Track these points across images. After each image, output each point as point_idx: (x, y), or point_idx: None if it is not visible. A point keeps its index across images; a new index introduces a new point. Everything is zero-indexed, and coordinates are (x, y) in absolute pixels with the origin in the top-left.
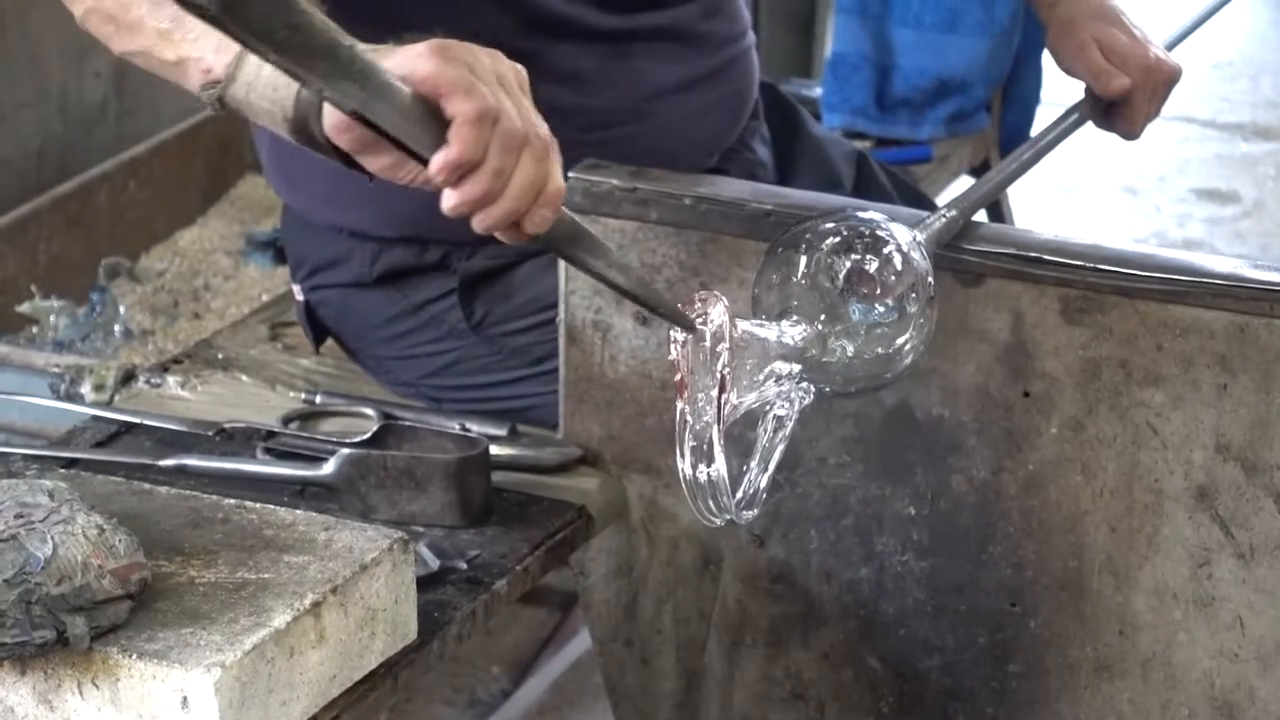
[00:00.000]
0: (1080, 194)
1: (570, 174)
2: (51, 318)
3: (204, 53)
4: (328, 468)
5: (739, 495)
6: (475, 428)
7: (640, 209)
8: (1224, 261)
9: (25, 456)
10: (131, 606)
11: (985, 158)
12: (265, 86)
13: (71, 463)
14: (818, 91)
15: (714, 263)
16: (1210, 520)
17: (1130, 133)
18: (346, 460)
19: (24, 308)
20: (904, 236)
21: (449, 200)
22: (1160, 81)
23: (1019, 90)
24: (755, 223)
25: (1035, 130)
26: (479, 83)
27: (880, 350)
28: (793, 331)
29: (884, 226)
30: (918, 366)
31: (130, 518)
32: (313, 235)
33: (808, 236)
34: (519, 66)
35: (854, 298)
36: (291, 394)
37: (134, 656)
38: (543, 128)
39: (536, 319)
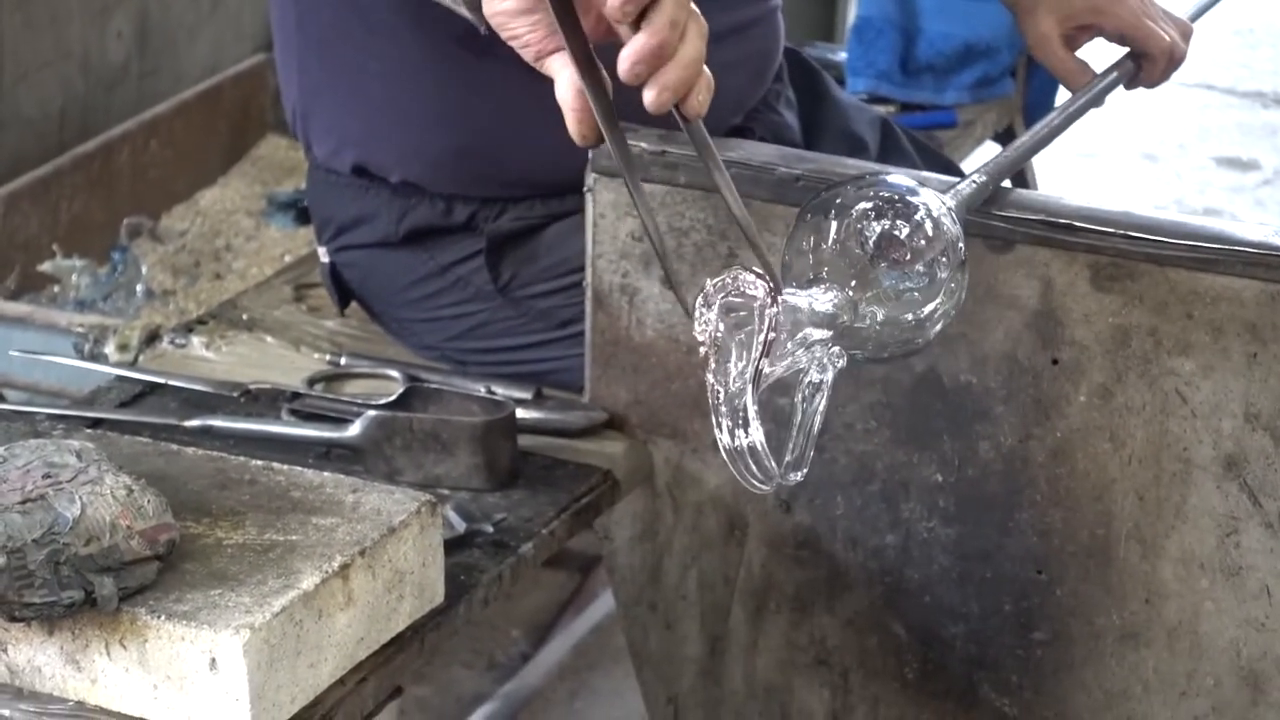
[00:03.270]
0: (1101, 160)
1: None
2: (73, 277)
3: None
4: (353, 430)
5: (786, 459)
6: (501, 391)
7: (669, 173)
8: (1256, 229)
9: (50, 416)
10: (160, 568)
11: (1010, 123)
12: None
13: (96, 423)
14: (841, 56)
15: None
16: (1238, 489)
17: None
18: (372, 422)
19: (45, 267)
20: (934, 202)
21: (628, 55)
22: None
23: None
24: (784, 187)
25: (1060, 98)
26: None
27: (911, 316)
28: (824, 298)
29: (915, 191)
30: (947, 332)
31: (157, 479)
32: (338, 194)
33: (838, 201)
34: None
35: (885, 263)
36: (316, 355)
37: (162, 618)
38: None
39: (563, 281)
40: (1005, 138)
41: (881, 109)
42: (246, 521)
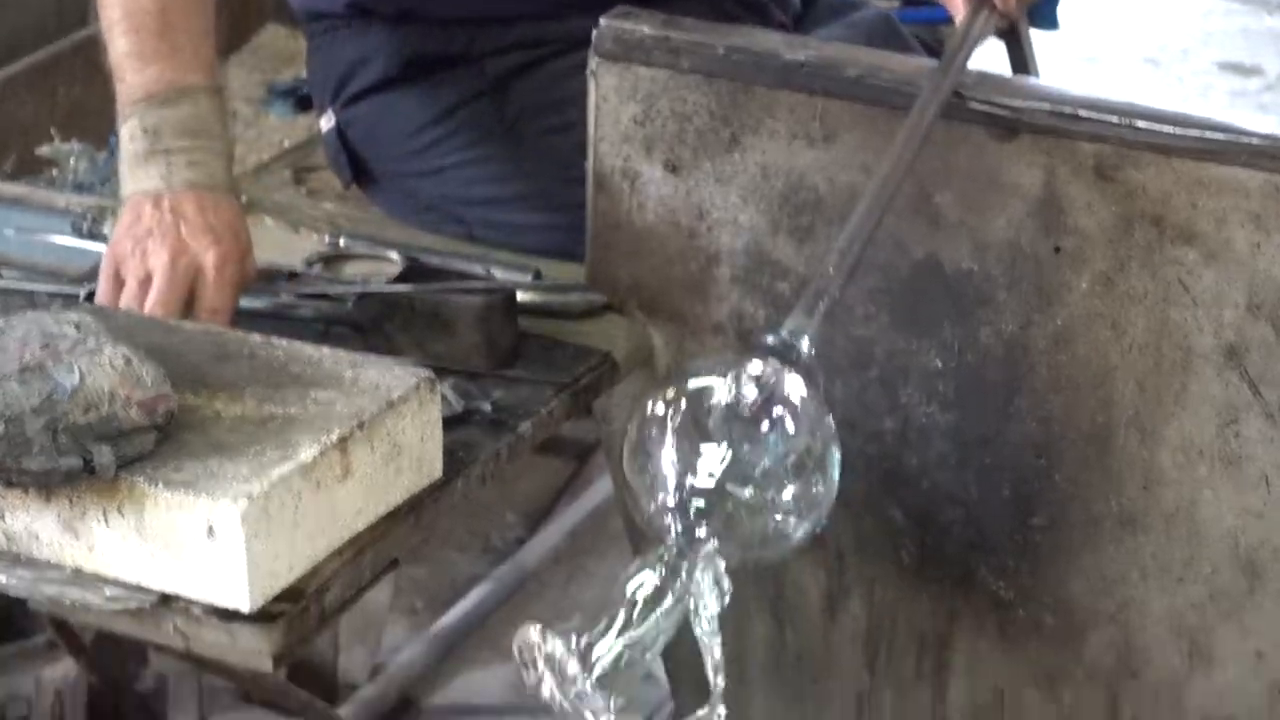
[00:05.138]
0: (1103, 65)
1: (603, 20)
2: (71, 161)
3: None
4: (353, 308)
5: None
6: (500, 274)
7: (672, 58)
8: (1261, 121)
9: (50, 294)
10: (158, 438)
11: (1012, 22)
12: None
13: (91, 296)
14: None
15: (745, 113)
16: (1239, 379)
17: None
18: (372, 301)
19: (43, 151)
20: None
21: None
22: None
23: None
24: (788, 73)
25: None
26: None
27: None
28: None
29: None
30: (948, 219)
31: (155, 351)
32: (338, 45)
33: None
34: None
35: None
36: (315, 237)
37: (160, 486)
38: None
39: (566, 117)
40: (1009, 34)
41: (884, 3)
42: (245, 394)
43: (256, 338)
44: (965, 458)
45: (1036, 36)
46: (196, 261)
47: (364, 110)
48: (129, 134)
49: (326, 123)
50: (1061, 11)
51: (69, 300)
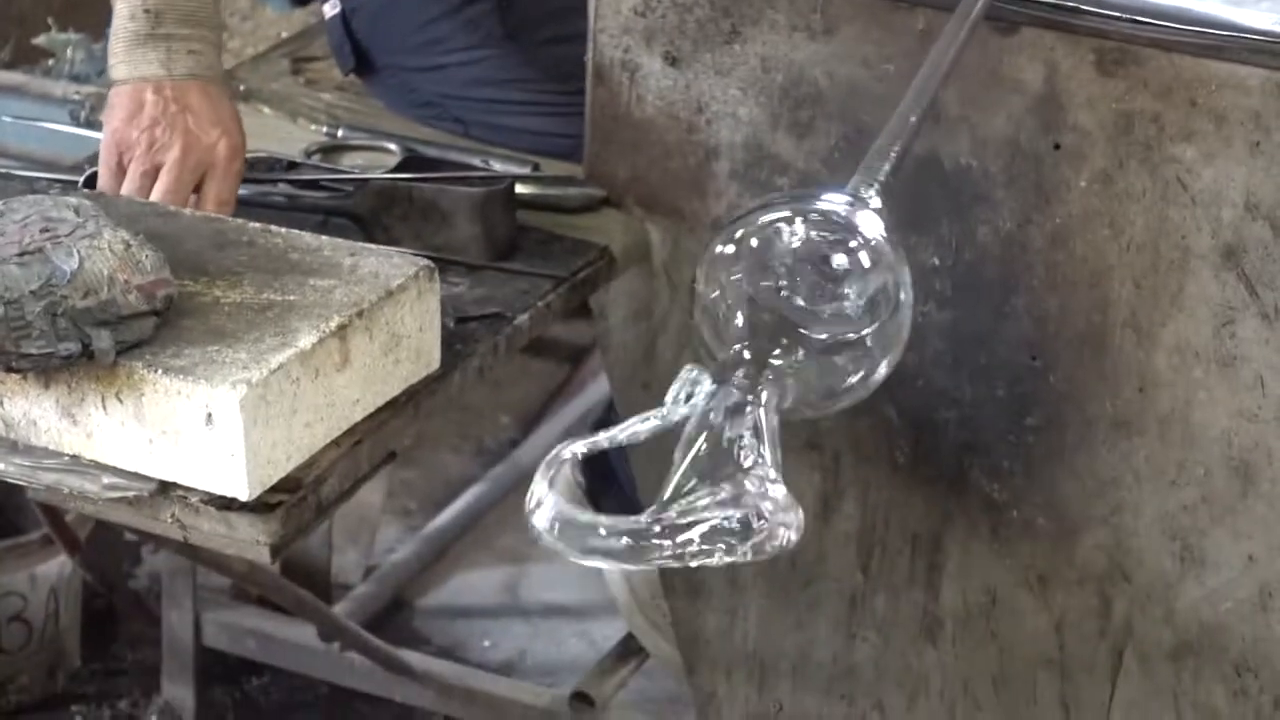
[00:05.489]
0: None
1: None
2: (68, 51)
3: None
4: (352, 198)
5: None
6: (499, 166)
7: None
8: (1263, 17)
9: (49, 180)
10: (157, 323)
11: None
12: None
13: (90, 182)
14: None
15: (745, 4)
16: (1236, 279)
17: None
18: (371, 190)
19: (40, 40)
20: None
21: None
22: None
23: None
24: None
25: None
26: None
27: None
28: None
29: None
30: (948, 115)
31: (155, 238)
32: None
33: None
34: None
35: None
36: (313, 128)
37: (159, 372)
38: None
39: (568, 29)
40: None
41: None
42: (244, 281)
43: (255, 225)
44: (961, 357)
45: None
46: (207, 156)
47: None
48: (128, 12)
49: (331, 9)
50: None
51: (67, 187)
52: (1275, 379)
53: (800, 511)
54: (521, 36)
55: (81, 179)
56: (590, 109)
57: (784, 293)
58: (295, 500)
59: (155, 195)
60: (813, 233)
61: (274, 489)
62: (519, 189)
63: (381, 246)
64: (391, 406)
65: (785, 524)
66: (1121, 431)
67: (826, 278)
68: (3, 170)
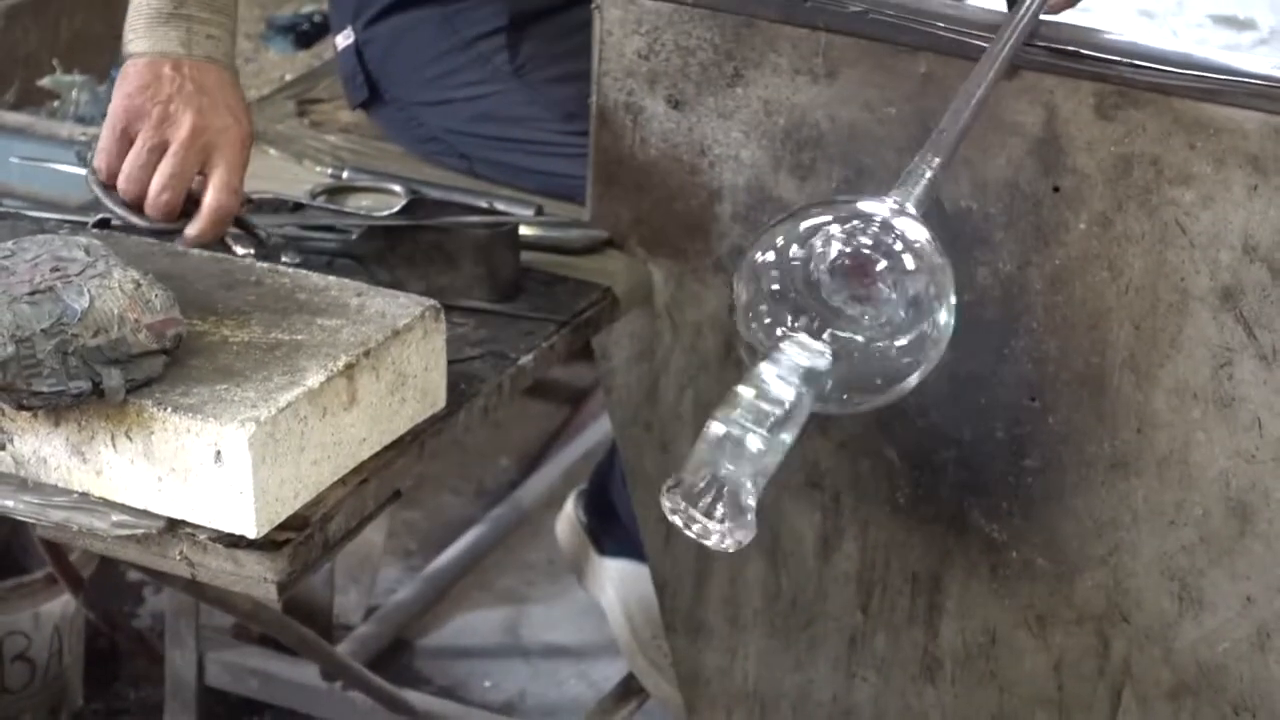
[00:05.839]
0: (1097, 16)
1: None
2: (73, 93)
3: None
4: (358, 239)
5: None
6: (503, 208)
7: None
8: (1261, 61)
9: (57, 221)
10: (166, 362)
11: None
12: None
13: (101, 224)
14: None
15: (748, 47)
16: (1234, 321)
17: None
18: (377, 232)
19: (45, 82)
20: (913, 230)
21: None
22: None
23: None
24: (792, 7)
25: None
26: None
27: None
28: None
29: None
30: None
31: (163, 277)
32: None
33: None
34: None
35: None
36: (318, 169)
37: (168, 410)
38: (166, 194)
39: (575, 69)
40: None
41: None
42: (252, 320)
43: (263, 265)
44: (960, 398)
45: None
46: (216, 139)
47: (383, 30)
48: None
49: (344, 40)
50: None
51: (76, 227)
52: (1273, 420)
53: None
54: (530, 74)
55: (91, 221)
56: (594, 151)
57: (825, 295)
58: (302, 538)
59: (160, 173)
60: (855, 238)
61: (281, 527)
62: (523, 230)
63: (387, 289)
64: (397, 445)
65: None
66: (1120, 472)
67: (868, 282)
68: (12, 210)
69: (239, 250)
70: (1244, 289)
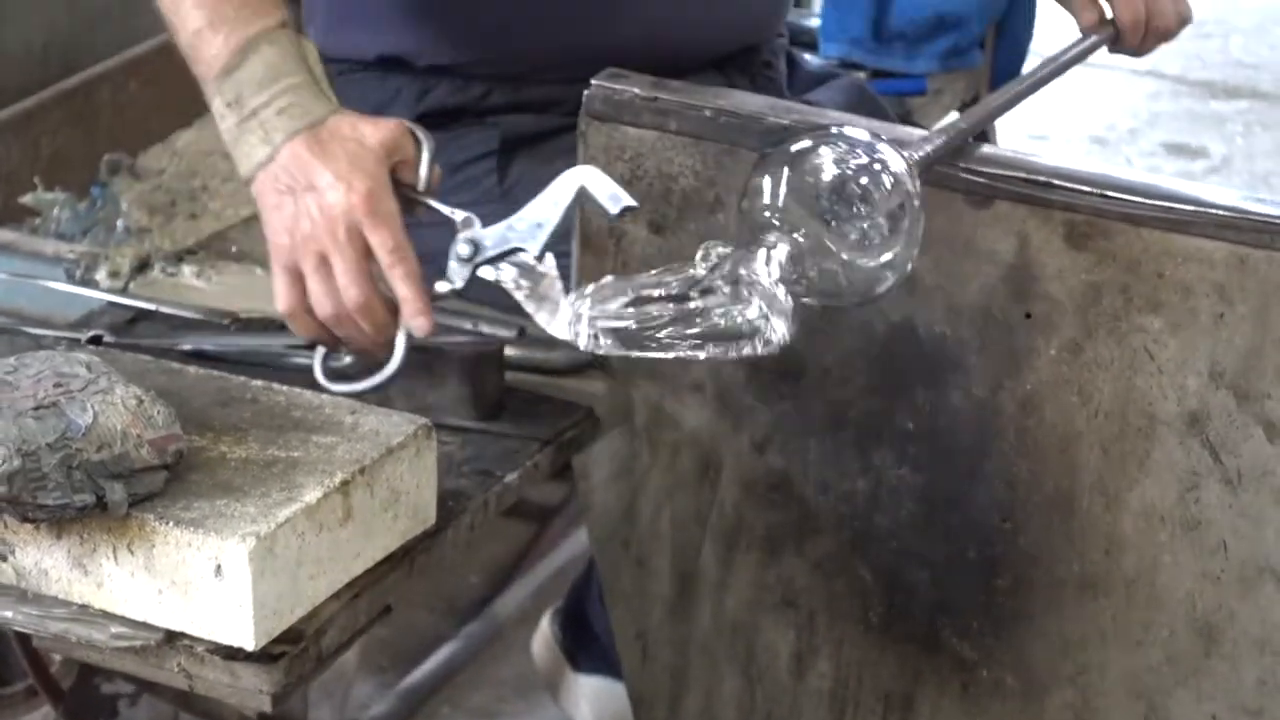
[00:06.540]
0: (1052, 144)
1: (593, 81)
2: (55, 210)
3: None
4: (347, 357)
5: None
6: (487, 329)
7: (660, 119)
8: (1226, 194)
9: (54, 337)
10: (167, 477)
11: (976, 93)
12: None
13: (95, 340)
14: (812, 22)
15: (730, 174)
16: (1200, 446)
17: (1136, 50)
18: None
19: (27, 199)
20: (894, 158)
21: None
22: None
23: (1012, 29)
24: (773, 136)
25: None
26: (290, 269)
27: (863, 263)
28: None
29: (874, 146)
30: (924, 283)
31: (162, 394)
32: (358, 90)
33: (794, 149)
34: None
35: (842, 213)
36: None
37: (170, 524)
38: (353, 290)
39: None
40: (971, 103)
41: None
42: (249, 437)
43: (258, 383)
44: (933, 519)
45: None
46: (351, 218)
47: None
48: (217, 115)
49: None
50: None
51: (73, 343)
52: (1238, 542)
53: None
54: (518, 195)
55: (85, 336)
56: (576, 274)
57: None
58: (298, 651)
59: (344, 294)
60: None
61: (277, 639)
62: (507, 351)
63: (379, 407)
64: (389, 560)
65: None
66: (1089, 593)
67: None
68: (9, 326)
69: (440, 287)
70: (1210, 414)
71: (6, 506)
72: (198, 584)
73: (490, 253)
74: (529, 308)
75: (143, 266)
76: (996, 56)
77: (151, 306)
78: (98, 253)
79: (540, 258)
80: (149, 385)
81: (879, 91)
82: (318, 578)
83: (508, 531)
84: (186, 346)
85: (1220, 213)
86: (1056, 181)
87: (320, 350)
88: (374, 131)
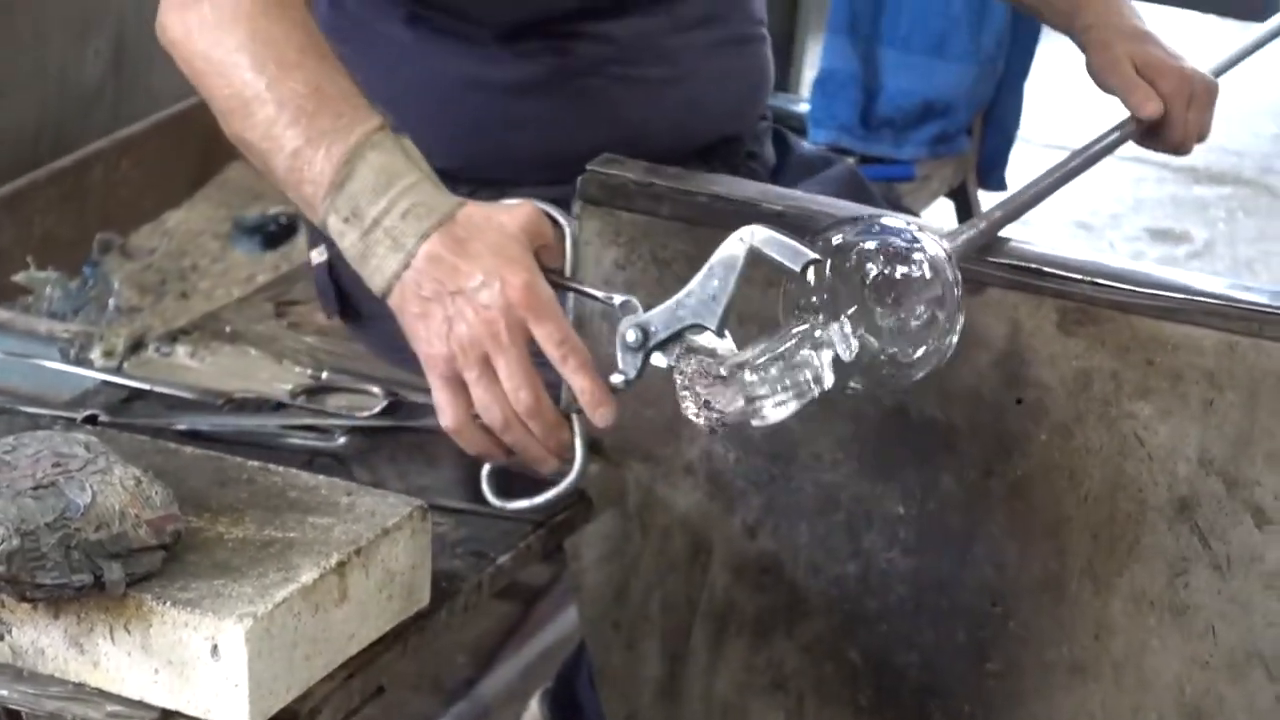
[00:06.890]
0: (1035, 229)
1: (588, 166)
2: (47, 289)
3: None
4: (342, 440)
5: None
6: None
7: (653, 204)
8: (1216, 281)
9: (51, 417)
10: (165, 557)
11: (964, 180)
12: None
13: (91, 419)
14: (800, 107)
15: None
16: (1189, 531)
17: (1178, 148)
18: (360, 433)
19: (19, 278)
20: (933, 247)
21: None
22: (1198, 92)
23: (1000, 116)
24: (765, 222)
25: (1012, 155)
26: (452, 380)
27: (901, 354)
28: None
29: (915, 236)
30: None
31: (159, 474)
32: None
33: (836, 241)
34: (517, 298)
35: (883, 304)
36: (298, 369)
37: (167, 604)
38: (523, 391)
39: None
40: (959, 194)
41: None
42: (246, 518)
43: (254, 464)
44: (923, 602)
45: (983, 196)
46: (510, 315)
47: None
48: (335, 235)
49: (318, 256)
50: (1008, 175)
51: (69, 423)
52: (1226, 628)
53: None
54: None
55: (81, 416)
56: None
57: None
58: None
59: (508, 392)
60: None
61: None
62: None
63: (375, 489)
64: (383, 641)
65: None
66: (1078, 677)
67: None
68: (4, 405)
69: (615, 379)
70: (1199, 500)
71: (5, 585)
72: (194, 664)
73: (661, 335)
74: (702, 390)
75: (137, 346)
76: (984, 143)
77: (146, 386)
78: (92, 332)
79: (720, 333)
80: (146, 465)
81: (868, 177)
82: (313, 658)
83: (495, 611)
84: (182, 426)
85: (1209, 300)
86: (1048, 269)
87: (486, 467)
88: (512, 218)
